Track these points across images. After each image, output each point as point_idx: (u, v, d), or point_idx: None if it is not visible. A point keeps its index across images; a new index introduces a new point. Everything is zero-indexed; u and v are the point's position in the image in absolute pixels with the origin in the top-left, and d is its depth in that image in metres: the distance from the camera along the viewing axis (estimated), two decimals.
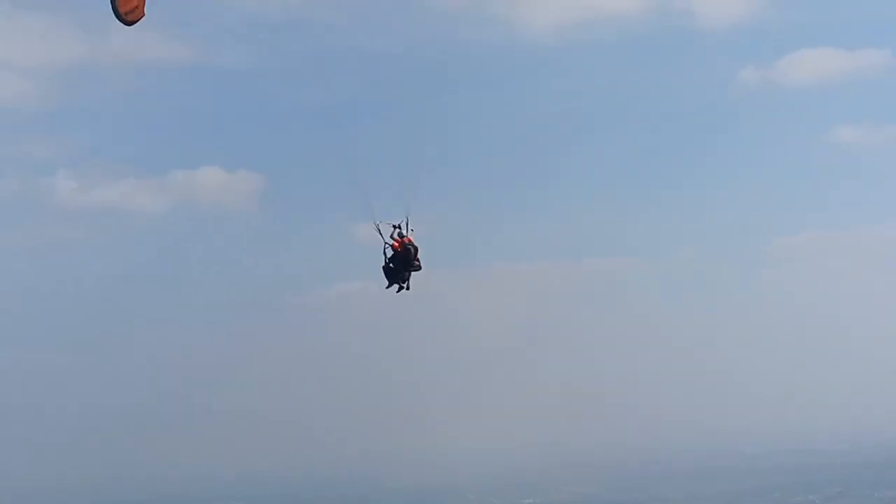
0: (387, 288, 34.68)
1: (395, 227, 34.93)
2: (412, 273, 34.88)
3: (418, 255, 34.76)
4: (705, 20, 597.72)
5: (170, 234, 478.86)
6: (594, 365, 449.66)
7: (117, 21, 30.50)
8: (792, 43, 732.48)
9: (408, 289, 35.02)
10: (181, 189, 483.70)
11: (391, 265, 34.75)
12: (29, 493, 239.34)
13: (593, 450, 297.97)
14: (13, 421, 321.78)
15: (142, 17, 30.15)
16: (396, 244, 34.80)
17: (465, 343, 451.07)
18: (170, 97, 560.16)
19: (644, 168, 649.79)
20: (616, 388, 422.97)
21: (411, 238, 34.72)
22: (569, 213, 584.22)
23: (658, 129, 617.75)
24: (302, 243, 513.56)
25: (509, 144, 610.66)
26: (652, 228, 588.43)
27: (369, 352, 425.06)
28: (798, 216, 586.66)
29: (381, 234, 34.62)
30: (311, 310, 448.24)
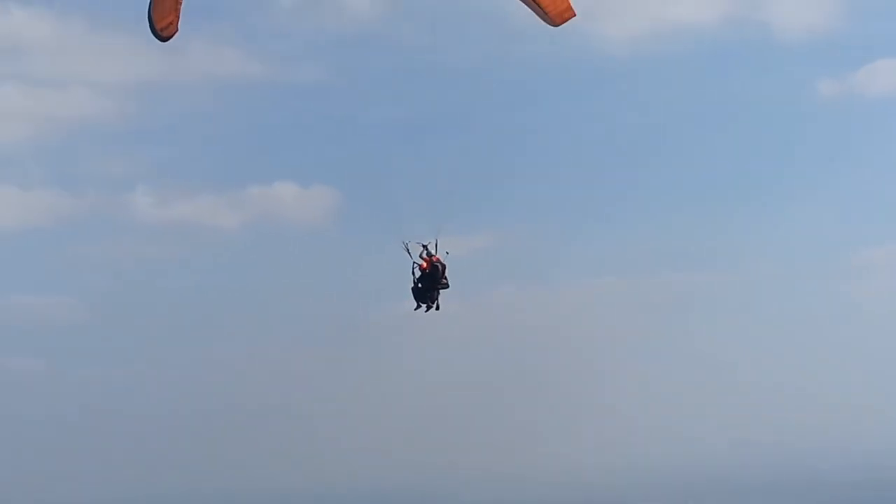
0: (415, 309, 34.43)
1: (423, 246, 34.85)
2: (440, 292, 34.30)
3: (445, 274, 34.40)
4: (783, 31, 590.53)
5: (245, 249, 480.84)
6: (674, 381, 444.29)
7: (154, 37, 30.63)
8: (871, 53, 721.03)
9: (437, 308, 34.56)
10: (256, 204, 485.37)
11: (419, 285, 34.27)
12: None
13: (669, 469, 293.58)
14: (91, 433, 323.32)
15: (175, 34, 30.29)
16: (425, 264, 34.48)
17: (539, 360, 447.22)
18: (245, 113, 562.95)
19: (722, 181, 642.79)
20: (695, 403, 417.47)
21: (439, 258, 34.43)
22: (645, 228, 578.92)
23: (736, 141, 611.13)
24: (376, 259, 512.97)
25: (584, 158, 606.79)
26: (731, 242, 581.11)
27: (442, 369, 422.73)
28: (881, 227, 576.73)
29: (409, 253, 34.51)
30: (386, 326, 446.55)
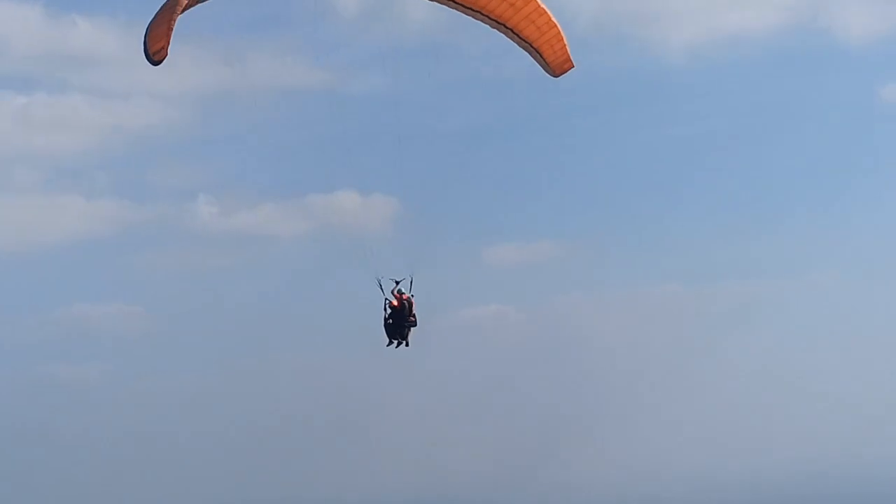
0: (387, 345, 34.81)
1: (396, 282, 34.97)
2: (410, 329, 34.88)
3: (413, 311, 34.82)
4: (844, 37, 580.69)
5: (307, 258, 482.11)
6: (731, 391, 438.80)
7: (146, 59, 32.87)
8: None
9: (407, 345, 35.04)
10: (318, 212, 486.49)
11: (391, 321, 34.70)
12: None
13: (738, 483, 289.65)
14: (157, 442, 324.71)
15: (165, 57, 31.94)
16: (395, 301, 34.72)
17: (596, 368, 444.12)
18: (307, 122, 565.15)
19: (782, 188, 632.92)
20: (750, 414, 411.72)
21: (409, 296, 34.74)
22: (708, 235, 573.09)
23: (797, 148, 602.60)
24: (434, 267, 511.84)
25: (640, 166, 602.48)
26: (792, 250, 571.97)
27: (501, 375, 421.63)
28: None
29: (381, 288, 34.42)
30: (444, 333, 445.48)
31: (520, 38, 35.45)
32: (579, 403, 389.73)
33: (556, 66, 35.91)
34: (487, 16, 34.98)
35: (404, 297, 34.83)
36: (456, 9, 34.83)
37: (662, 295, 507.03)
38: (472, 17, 35.38)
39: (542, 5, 34.91)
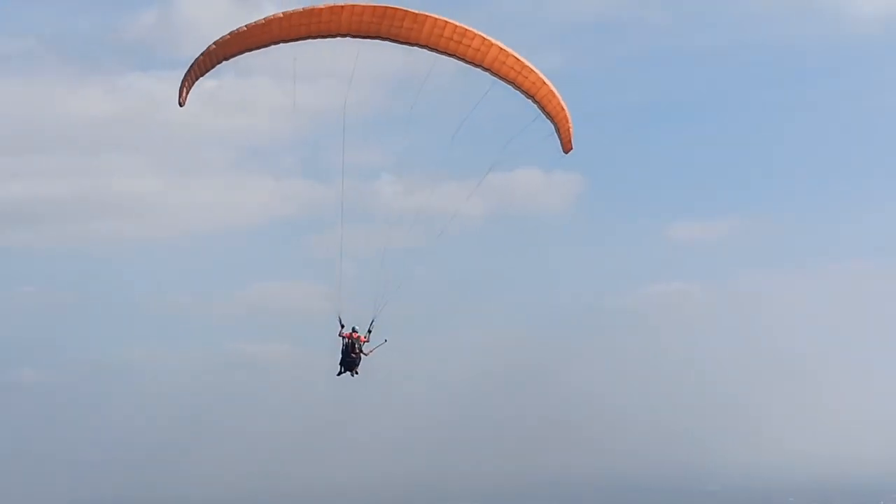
0: (338, 375, 39.37)
1: (353, 328, 39.37)
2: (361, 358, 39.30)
3: (363, 351, 39.26)
4: None
5: (488, 237, 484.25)
6: None
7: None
8: None
9: (355, 374, 39.49)
10: (499, 191, 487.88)
11: (343, 355, 39.16)
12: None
13: None
14: (336, 419, 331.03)
15: (184, 104, 37.74)
16: (347, 335, 39.09)
17: (777, 344, 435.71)
18: (487, 100, 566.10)
19: None
20: None
21: (360, 335, 39.05)
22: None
23: None
24: (618, 244, 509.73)
25: (829, 140, 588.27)
26: None
27: (686, 351, 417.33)
28: None
29: (341, 323, 38.99)
30: (628, 311, 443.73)
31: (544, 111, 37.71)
32: (757, 382, 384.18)
33: (567, 141, 38.42)
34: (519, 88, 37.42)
35: (355, 335, 38.97)
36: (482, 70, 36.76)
37: (850, 271, 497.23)
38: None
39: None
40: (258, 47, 35.54)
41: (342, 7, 34.90)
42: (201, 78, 37.03)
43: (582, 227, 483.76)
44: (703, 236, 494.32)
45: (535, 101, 37.42)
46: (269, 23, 35.25)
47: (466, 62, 36.74)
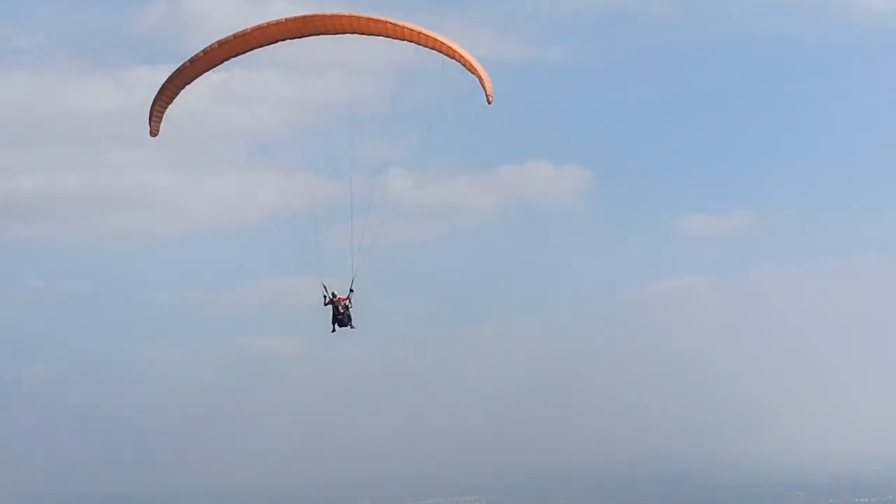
0: (332, 332, 44.78)
1: (333, 293, 44.69)
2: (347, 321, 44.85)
3: (348, 312, 44.65)
4: None
5: (499, 230, 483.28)
6: None
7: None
8: None
9: (353, 327, 45.02)
10: (509, 185, 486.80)
11: (333, 315, 44.66)
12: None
13: None
14: (349, 413, 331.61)
15: (157, 135, 41.92)
16: (330, 301, 44.51)
17: (789, 339, 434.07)
18: (497, 93, 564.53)
19: None
20: None
21: (342, 297, 44.44)
22: None
23: None
24: (628, 238, 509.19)
25: (842, 134, 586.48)
26: None
27: (697, 346, 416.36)
28: None
29: (325, 289, 44.28)
30: (639, 306, 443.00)
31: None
32: (769, 377, 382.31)
33: (491, 93, 43.21)
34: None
35: (337, 298, 44.44)
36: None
37: (863, 266, 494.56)
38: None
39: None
40: (203, 72, 40.74)
41: (269, 24, 40.75)
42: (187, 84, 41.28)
43: (591, 221, 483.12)
44: (714, 231, 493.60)
45: (458, 61, 42.25)
46: (210, 50, 40.27)
47: (392, 38, 41.84)
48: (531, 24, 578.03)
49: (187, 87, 40.79)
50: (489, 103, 42.79)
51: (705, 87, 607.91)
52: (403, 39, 41.17)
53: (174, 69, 40.52)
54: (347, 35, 40.82)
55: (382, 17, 40.92)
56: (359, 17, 40.63)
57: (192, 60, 40.13)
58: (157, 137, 41.79)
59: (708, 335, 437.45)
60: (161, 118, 40.97)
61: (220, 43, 39.96)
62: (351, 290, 44.56)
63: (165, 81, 40.53)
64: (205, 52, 39.89)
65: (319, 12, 40.75)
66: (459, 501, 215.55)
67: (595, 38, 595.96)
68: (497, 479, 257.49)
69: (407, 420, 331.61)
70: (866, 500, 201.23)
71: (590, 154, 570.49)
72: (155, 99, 40.89)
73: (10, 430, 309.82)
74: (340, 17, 40.62)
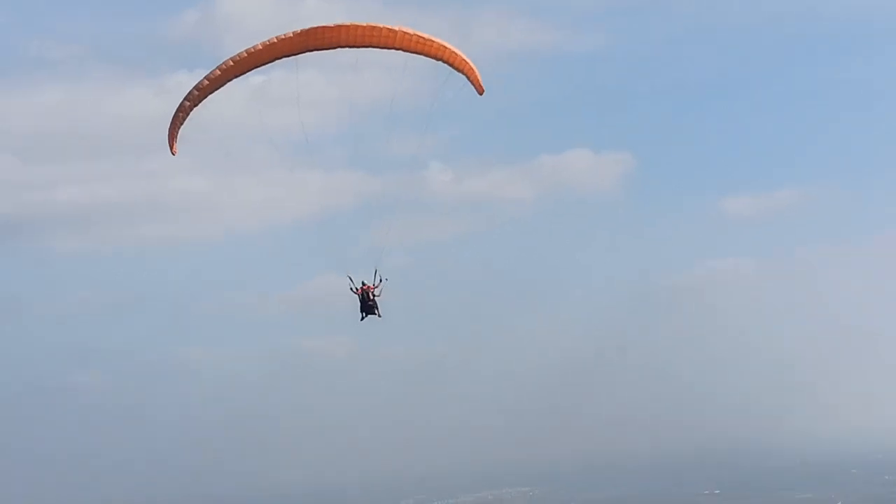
0: (361, 320, 45.90)
1: (380, 279, 45.58)
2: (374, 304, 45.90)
3: (375, 301, 45.79)
4: None
5: (540, 220, 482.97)
6: None
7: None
8: None
9: (379, 316, 45.99)
10: (549, 174, 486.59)
11: (361, 304, 45.72)
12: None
13: None
14: (397, 408, 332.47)
15: (176, 153, 43.32)
16: (359, 290, 45.56)
17: (837, 318, 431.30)
18: (534, 83, 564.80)
19: None
20: None
21: (370, 286, 45.39)
22: None
23: None
24: (670, 222, 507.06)
25: (889, 110, 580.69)
26: None
27: (744, 327, 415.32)
28: None
29: (351, 280, 45.22)
30: (683, 289, 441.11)
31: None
32: (818, 356, 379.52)
33: (479, 85, 43.98)
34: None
35: (365, 287, 45.49)
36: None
37: None
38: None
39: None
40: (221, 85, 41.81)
41: (276, 39, 41.16)
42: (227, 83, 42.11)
43: (633, 206, 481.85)
44: (758, 210, 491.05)
45: (444, 62, 42.83)
46: (226, 65, 41.27)
47: (385, 48, 42.24)
48: (565, 12, 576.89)
49: (220, 90, 42.02)
50: (480, 94, 43.98)
51: (744, 67, 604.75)
52: (394, 48, 42.04)
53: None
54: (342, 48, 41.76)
55: (378, 24, 41.72)
56: (348, 27, 41.50)
57: (197, 87, 41.54)
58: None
59: (754, 316, 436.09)
60: (177, 136, 42.47)
61: (222, 67, 41.29)
62: (381, 280, 45.62)
63: (177, 107, 41.99)
64: (208, 78, 41.26)
65: (306, 27, 41.42)
66: (512, 493, 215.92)
67: (630, 22, 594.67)
68: (549, 469, 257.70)
69: (451, 418, 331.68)
70: None
71: (630, 139, 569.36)
72: (172, 122, 42.40)
73: (64, 439, 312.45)
74: (324, 31, 41.49)
